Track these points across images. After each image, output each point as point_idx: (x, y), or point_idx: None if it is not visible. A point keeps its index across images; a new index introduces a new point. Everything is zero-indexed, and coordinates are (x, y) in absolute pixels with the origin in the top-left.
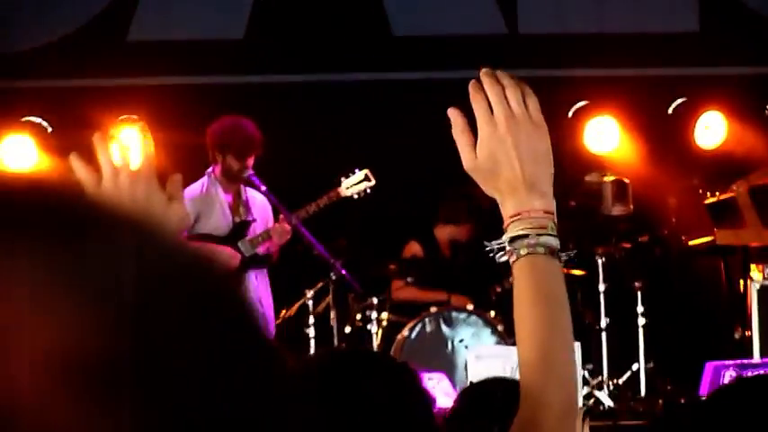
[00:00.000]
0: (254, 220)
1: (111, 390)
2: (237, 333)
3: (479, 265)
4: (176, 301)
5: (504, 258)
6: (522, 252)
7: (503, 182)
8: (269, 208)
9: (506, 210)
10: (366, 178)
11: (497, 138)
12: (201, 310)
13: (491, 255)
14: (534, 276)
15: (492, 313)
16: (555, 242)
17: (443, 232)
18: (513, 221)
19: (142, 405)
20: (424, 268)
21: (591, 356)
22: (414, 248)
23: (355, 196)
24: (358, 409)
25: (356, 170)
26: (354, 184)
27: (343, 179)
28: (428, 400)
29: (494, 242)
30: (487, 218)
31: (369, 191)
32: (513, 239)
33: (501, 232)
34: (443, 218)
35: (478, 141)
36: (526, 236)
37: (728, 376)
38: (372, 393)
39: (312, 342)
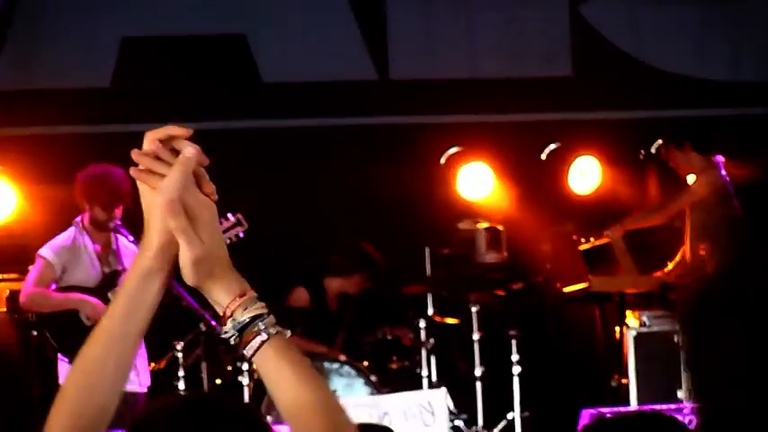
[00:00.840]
0: (124, 270)
1: None
2: None
3: (363, 317)
4: None
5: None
6: (273, 331)
7: (217, 264)
8: None
9: (225, 292)
10: (239, 223)
11: (210, 220)
12: None
13: (231, 340)
14: (292, 351)
15: (365, 363)
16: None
17: (333, 284)
18: (242, 302)
19: None
20: (307, 319)
21: (465, 406)
22: (300, 295)
23: (227, 241)
24: None
25: (228, 214)
26: (226, 229)
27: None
28: None
29: (230, 326)
30: (378, 271)
31: (242, 235)
32: (254, 318)
33: (394, 286)
34: (333, 269)
35: (198, 225)
36: (263, 315)
37: None
38: None
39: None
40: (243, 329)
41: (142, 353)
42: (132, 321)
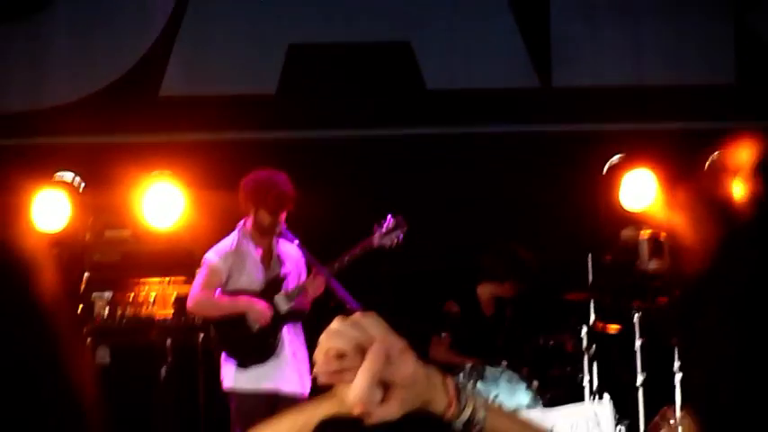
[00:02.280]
0: (288, 274)
1: None
2: None
3: (523, 323)
4: None
5: None
6: (483, 415)
7: (420, 397)
8: (302, 260)
9: (436, 409)
10: (399, 225)
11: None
12: None
13: None
14: (510, 418)
15: (525, 370)
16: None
17: (485, 290)
18: (453, 412)
19: None
20: (462, 328)
21: (627, 413)
22: (450, 308)
23: (388, 243)
24: None
25: (389, 216)
26: (387, 232)
27: (375, 226)
28: None
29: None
30: (532, 275)
31: (401, 237)
32: (469, 420)
33: (548, 291)
34: (484, 275)
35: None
36: (473, 412)
37: None
38: None
39: None
40: (465, 429)
41: (305, 358)
42: None
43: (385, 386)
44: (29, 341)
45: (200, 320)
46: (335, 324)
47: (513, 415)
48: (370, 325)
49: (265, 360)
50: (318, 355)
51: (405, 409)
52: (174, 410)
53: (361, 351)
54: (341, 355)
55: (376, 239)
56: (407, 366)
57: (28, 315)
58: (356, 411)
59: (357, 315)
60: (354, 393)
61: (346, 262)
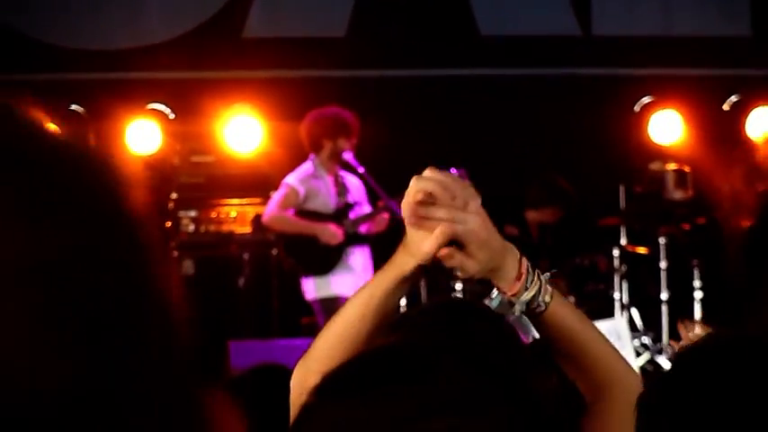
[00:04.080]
0: (357, 203)
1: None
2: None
3: (563, 245)
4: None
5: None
6: (548, 299)
7: (494, 262)
8: (364, 190)
9: (504, 281)
10: (462, 176)
11: (484, 238)
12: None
13: (517, 313)
14: (568, 309)
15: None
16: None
17: (531, 217)
18: (519, 288)
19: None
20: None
21: (653, 325)
22: (510, 231)
23: None
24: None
25: (452, 170)
26: None
27: None
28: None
29: (517, 308)
30: (570, 201)
31: None
32: (532, 298)
33: (590, 217)
34: (529, 203)
35: (473, 246)
36: (538, 292)
37: None
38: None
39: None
40: (527, 308)
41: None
42: (373, 318)
43: (459, 245)
44: (125, 250)
45: (273, 236)
46: (428, 171)
47: (573, 307)
48: (459, 183)
49: (333, 269)
50: (408, 195)
51: (480, 267)
52: (250, 316)
53: (449, 200)
54: (426, 202)
55: None
56: (485, 229)
57: (125, 226)
58: (441, 259)
59: (450, 172)
60: (432, 244)
61: None
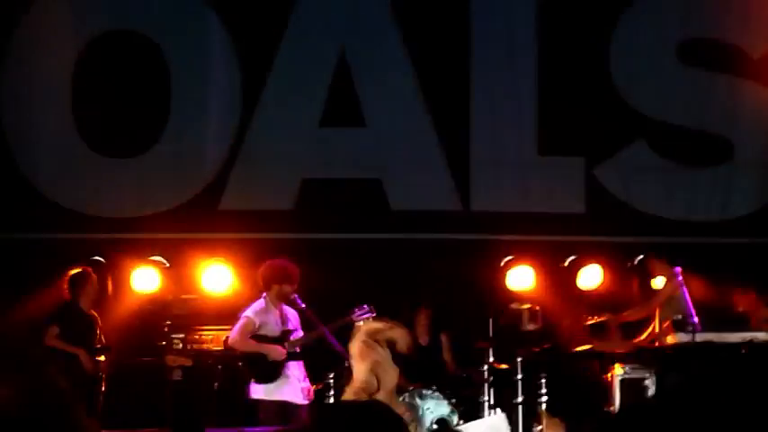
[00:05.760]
0: (295, 329)
1: None
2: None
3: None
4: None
5: None
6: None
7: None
8: (298, 319)
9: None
10: (370, 310)
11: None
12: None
13: None
14: None
15: (447, 392)
16: None
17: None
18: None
19: None
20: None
21: (512, 424)
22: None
23: (361, 323)
24: None
25: (365, 306)
26: (362, 313)
27: (355, 308)
28: None
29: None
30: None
31: (371, 320)
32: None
33: (464, 340)
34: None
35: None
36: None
37: None
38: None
39: None
40: None
41: (304, 380)
42: None
43: (378, 380)
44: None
45: (238, 354)
46: (374, 323)
47: None
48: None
49: (276, 379)
50: (359, 334)
51: (385, 399)
52: (223, 411)
53: (376, 346)
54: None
55: (355, 316)
56: (393, 380)
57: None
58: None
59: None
60: (358, 378)
61: (338, 325)
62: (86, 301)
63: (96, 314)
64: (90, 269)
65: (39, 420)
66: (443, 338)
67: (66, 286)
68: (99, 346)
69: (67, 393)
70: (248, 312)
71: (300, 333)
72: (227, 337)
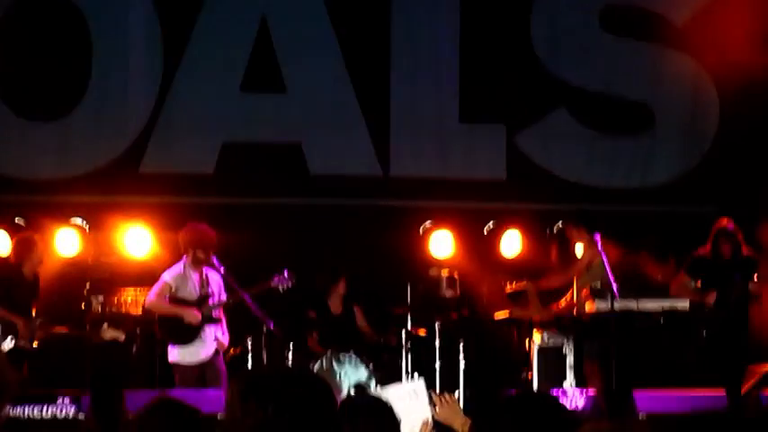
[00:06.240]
0: (213, 293)
1: None
2: None
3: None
4: None
5: None
6: None
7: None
8: (221, 284)
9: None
10: (290, 277)
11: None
12: None
13: None
14: None
15: (364, 356)
16: None
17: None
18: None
19: None
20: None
21: (428, 387)
22: (312, 315)
23: (281, 286)
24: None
25: (285, 271)
26: (280, 281)
27: (275, 275)
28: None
29: None
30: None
31: (290, 285)
32: None
33: (382, 305)
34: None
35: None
36: None
37: None
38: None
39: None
40: None
41: (216, 340)
42: None
43: None
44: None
45: (155, 317)
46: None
47: None
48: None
49: (191, 342)
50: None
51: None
52: (140, 373)
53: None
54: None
55: (274, 282)
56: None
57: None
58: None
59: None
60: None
61: (257, 291)
62: (29, 266)
63: (38, 277)
64: (34, 234)
65: None
66: (356, 310)
67: (12, 250)
68: (35, 315)
69: None
70: (165, 276)
71: (221, 297)
72: (145, 300)
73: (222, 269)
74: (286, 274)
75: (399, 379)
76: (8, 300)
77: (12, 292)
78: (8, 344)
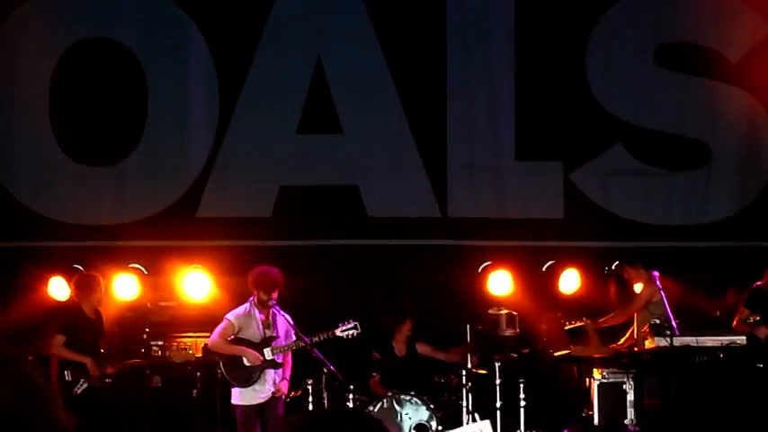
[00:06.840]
0: (279, 336)
1: None
2: None
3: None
4: None
5: None
6: None
7: None
8: (291, 329)
9: None
10: (355, 327)
11: None
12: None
13: None
14: None
15: (426, 397)
16: None
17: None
18: None
19: None
20: (384, 369)
21: (493, 426)
22: (375, 356)
23: (346, 335)
24: None
25: (350, 320)
26: (345, 329)
27: (340, 323)
28: None
29: None
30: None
31: (354, 335)
32: None
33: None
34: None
35: None
36: None
37: None
38: None
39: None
40: None
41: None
42: None
43: None
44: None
45: (218, 359)
46: None
47: None
48: None
49: (250, 383)
50: None
51: None
52: (202, 417)
53: None
54: None
55: (339, 332)
56: None
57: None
58: None
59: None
60: None
61: (321, 338)
62: (90, 304)
63: (101, 315)
64: (98, 274)
65: (16, 411)
66: (420, 346)
67: (72, 290)
68: (103, 351)
69: (44, 387)
70: (229, 315)
71: (286, 341)
72: (208, 340)
73: (286, 315)
74: (351, 323)
75: (460, 419)
76: (74, 340)
77: (76, 333)
78: (81, 387)
